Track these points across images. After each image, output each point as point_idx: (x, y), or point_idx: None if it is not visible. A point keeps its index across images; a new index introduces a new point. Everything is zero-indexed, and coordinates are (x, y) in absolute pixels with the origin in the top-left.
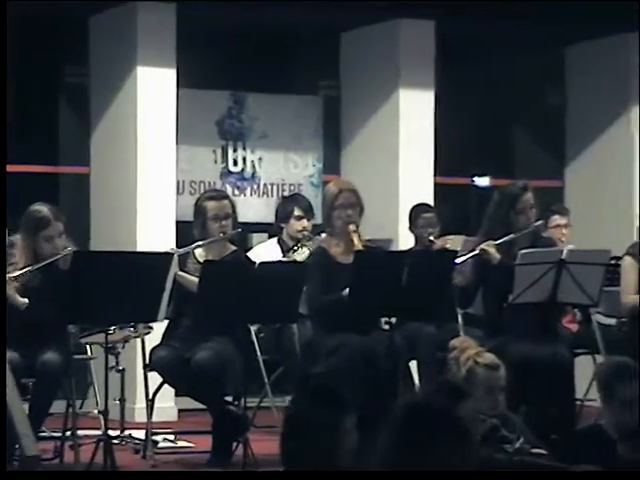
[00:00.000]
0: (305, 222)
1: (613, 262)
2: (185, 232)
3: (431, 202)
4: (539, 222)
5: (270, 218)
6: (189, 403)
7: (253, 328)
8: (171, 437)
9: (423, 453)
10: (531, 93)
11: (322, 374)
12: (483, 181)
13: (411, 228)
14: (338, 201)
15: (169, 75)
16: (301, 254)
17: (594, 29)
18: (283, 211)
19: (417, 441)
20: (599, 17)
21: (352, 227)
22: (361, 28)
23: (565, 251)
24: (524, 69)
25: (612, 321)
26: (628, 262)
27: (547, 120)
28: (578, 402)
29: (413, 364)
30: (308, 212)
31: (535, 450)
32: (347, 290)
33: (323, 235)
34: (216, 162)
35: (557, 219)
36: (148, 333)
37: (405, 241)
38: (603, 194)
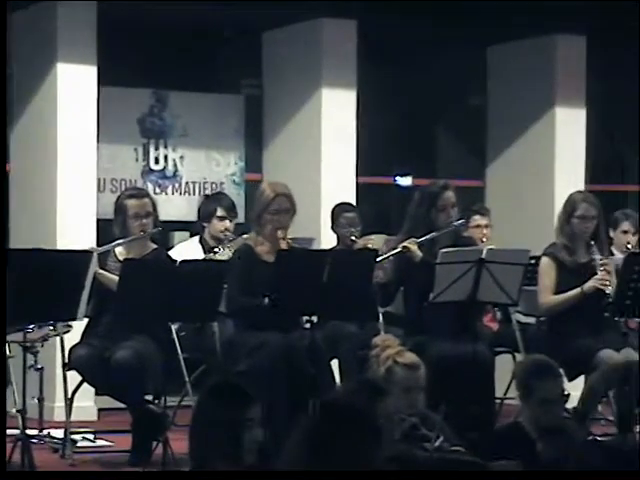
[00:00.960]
0: (227, 223)
1: (532, 262)
2: (106, 230)
3: (353, 201)
4: (460, 220)
5: (192, 216)
6: (109, 402)
7: (174, 326)
8: (90, 436)
9: (329, 450)
10: (453, 93)
11: (224, 372)
12: (405, 181)
13: (333, 227)
14: (272, 206)
15: (90, 72)
16: (222, 255)
17: (516, 30)
18: (205, 210)
19: (323, 438)
20: (521, 18)
21: (281, 234)
22: (283, 27)
23: (485, 250)
24: (446, 69)
25: (532, 320)
26: (545, 263)
27: (468, 120)
28: (498, 400)
29: (335, 363)
30: (231, 212)
31: (455, 448)
32: (266, 299)
33: (245, 235)
34: (137, 160)
35: (478, 219)
36: (67, 332)
37: (327, 240)
38: (524, 194)
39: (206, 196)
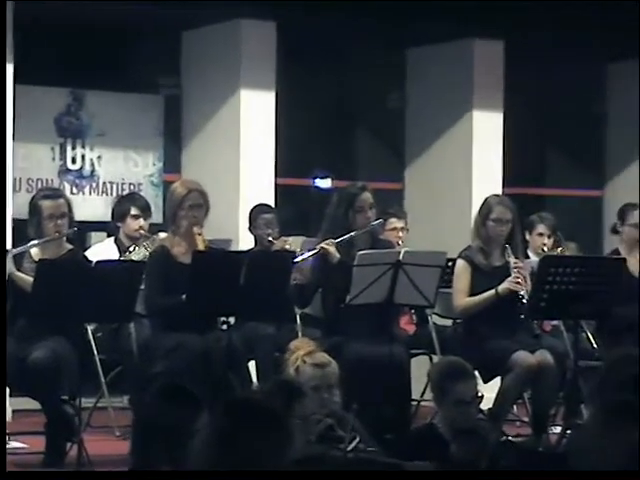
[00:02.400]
0: (142, 221)
1: (449, 264)
2: (22, 230)
3: (272, 203)
4: (378, 220)
5: (109, 217)
6: (23, 403)
7: (90, 327)
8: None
9: (237, 450)
10: (372, 95)
11: (170, 374)
12: (324, 182)
13: (251, 228)
14: (186, 202)
15: (6, 71)
16: (138, 254)
17: (434, 33)
18: (119, 210)
19: (230, 438)
20: (439, 22)
21: (197, 229)
22: (202, 27)
23: (402, 252)
24: (366, 71)
25: (448, 322)
26: (460, 265)
27: (388, 122)
28: (414, 402)
29: (252, 364)
30: (145, 211)
31: (370, 449)
32: (184, 296)
33: (162, 234)
34: (54, 160)
35: (394, 222)
36: None
37: (245, 241)
38: (442, 197)
39: (120, 196)
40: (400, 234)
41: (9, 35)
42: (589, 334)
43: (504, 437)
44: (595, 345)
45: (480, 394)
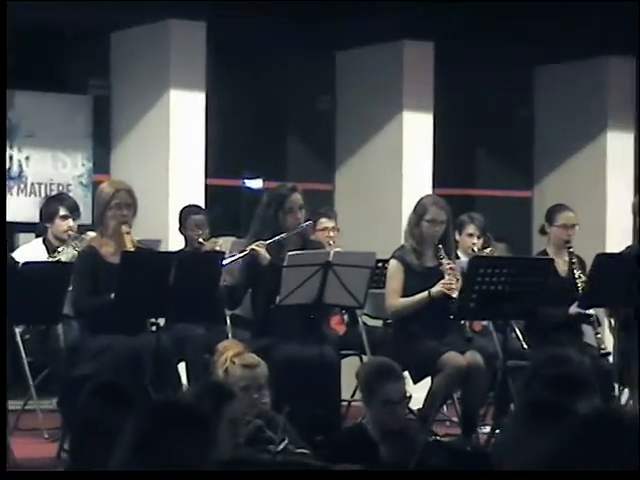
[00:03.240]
0: (71, 222)
1: (379, 265)
2: None
3: (202, 203)
4: (308, 222)
5: (38, 218)
6: None
7: (18, 329)
8: None
9: (160, 451)
10: (303, 96)
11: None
12: (255, 183)
13: (181, 229)
14: (114, 201)
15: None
16: (67, 254)
17: (364, 36)
18: (48, 211)
19: (155, 440)
20: (369, 24)
21: (125, 228)
22: (132, 28)
23: (332, 253)
24: (296, 72)
25: (379, 322)
26: (393, 265)
27: (318, 123)
28: (345, 403)
29: (182, 366)
30: (74, 212)
31: (300, 450)
32: (113, 296)
33: (90, 234)
34: None
35: (324, 222)
36: None
37: (175, 242)
38: (372, 197)
39: (48, 197)
40: (331, 234)
41: None
42: (518, 334)
43: (433, 437)
44: (524, 345)
45: (408, 394)
